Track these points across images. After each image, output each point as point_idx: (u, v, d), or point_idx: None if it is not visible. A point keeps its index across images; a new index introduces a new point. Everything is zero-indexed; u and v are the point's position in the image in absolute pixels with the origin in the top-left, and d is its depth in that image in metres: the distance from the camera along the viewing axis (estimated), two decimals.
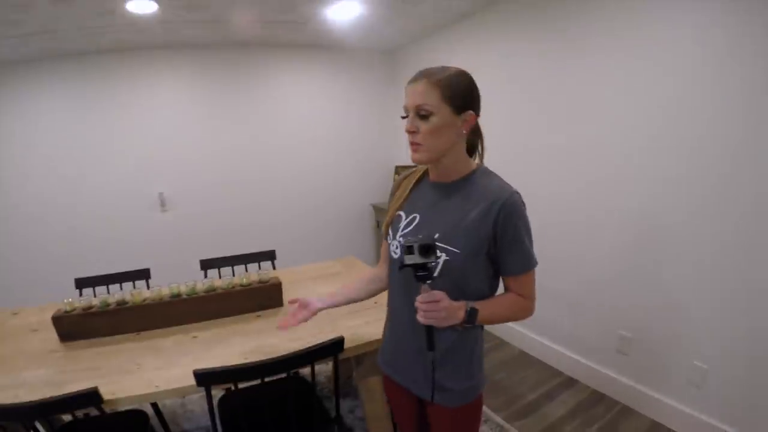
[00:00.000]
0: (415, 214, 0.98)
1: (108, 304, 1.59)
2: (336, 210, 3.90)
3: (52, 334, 1.55)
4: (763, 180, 1.49)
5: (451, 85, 0.86)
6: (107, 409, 1.17)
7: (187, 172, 3.29)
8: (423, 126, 0.87)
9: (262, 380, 1.23)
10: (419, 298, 0.85)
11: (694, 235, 1.72)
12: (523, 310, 0.96)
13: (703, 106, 1.63)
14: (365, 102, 3.84)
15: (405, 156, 3.34)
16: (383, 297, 1.14)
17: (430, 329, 0.86)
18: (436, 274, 0.89)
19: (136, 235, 3.22)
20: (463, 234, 0.89)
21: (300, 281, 2.06)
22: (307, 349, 1.21)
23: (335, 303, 1.23)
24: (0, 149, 2.84)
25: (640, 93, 1.84)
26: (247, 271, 1.96)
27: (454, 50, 2.97)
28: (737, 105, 1.54)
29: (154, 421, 1.56)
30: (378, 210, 3.94)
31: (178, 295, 1.66)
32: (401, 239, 0.97)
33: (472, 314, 0.88)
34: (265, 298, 1.75)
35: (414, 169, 1.08)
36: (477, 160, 1.00)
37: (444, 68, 0.88)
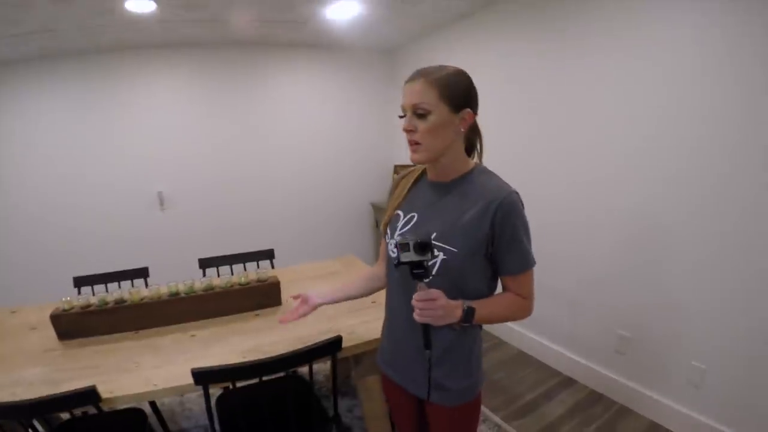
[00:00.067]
0: (413, 213, 0.98)
1: (106, 303, 1.59)
2: (335, 209, 3.91)
3: (51, 333, 1.55)
4: (762, 180, 1.49)
5: (449, 84, 0.86)
6: (105, 408, 1.18)
7: (186, 171, 3.30)
8: (421, 125, 0.87)
9: (260, 379, 1.23)
10: (416, 296, 0.85)
11: (693, 235, 1.72)
12: (522, 309, 0.96)
13: (702, 105, 1.63)
14: (364, 101, 3.84)
15: (404, 155, 3.33)
16: (381, 297, 1.14)
17: (426, 327, 0.86)
18: (433, 273, 0.89)
19: (135, 234, 3.23)
20: (460, 233, 0.88)
21: (299, 280, 2.06)
22: (305, 348, 1.21)
23: (335, 299, 1.24)
24: (0, 148, 2.84)
25: (639, 93, 1.84)
26: (245, 270, 1.96)
27: (453, 50, 2.97)
28: (736, 105, 1.54)
29: (152, 419, 1.56)
30: (377, 209, 3.94)
31: (177, 293, 1.66)
32: (398, 237, 0.97)
33: (469, 313, 0.88)
34: (263, 297, 1.75)
35: (413, 168, 1.09)
36: (476, 160, 1.00)
37: (441, 67, 0.88)
